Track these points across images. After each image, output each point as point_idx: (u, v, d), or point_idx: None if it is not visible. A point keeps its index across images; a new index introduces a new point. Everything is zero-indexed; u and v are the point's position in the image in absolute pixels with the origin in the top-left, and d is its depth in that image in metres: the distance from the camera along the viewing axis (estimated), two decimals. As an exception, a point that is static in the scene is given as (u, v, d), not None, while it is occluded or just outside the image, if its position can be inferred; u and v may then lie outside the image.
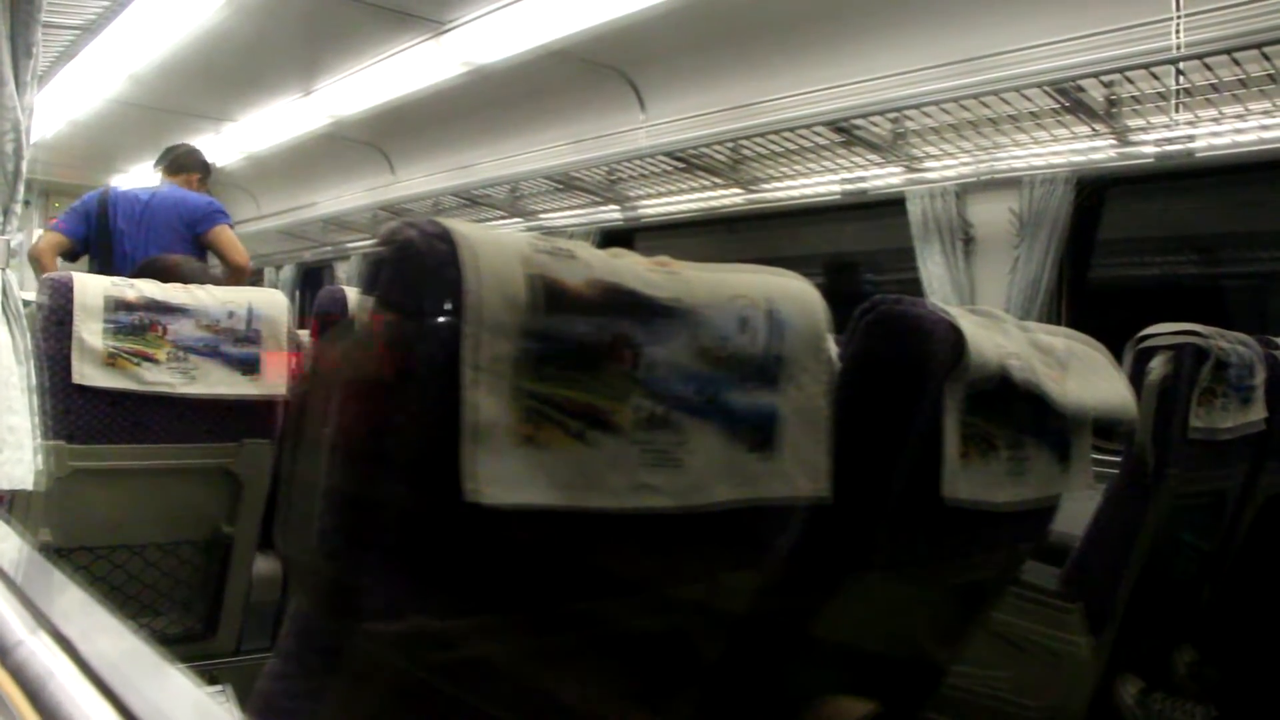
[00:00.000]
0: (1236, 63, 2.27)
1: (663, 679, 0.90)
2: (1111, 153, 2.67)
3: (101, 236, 3.54)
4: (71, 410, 1.75)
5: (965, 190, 2.96)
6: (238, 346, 1.84)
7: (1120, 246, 3.02)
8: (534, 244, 0.68)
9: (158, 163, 3.97)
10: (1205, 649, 1.85)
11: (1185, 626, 1.87)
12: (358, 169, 5.81)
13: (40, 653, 0.62)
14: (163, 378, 1.79)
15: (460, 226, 0.66)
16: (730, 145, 3.53)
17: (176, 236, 3.53)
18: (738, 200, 3.77)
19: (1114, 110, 2.59)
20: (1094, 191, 2.80)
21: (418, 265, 0.64)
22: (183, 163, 3.89)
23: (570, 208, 4.54)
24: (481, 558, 0.70)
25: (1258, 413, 1.68)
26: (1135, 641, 1.65)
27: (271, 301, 1.91)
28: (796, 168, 3.47)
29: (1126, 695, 1.72)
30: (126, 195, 3.63)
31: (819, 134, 3.19)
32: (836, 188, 3.39)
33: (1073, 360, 1.10)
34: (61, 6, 3.58)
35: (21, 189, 1.50)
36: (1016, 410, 1.04)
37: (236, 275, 3.53)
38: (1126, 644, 1.60)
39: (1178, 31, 2.43)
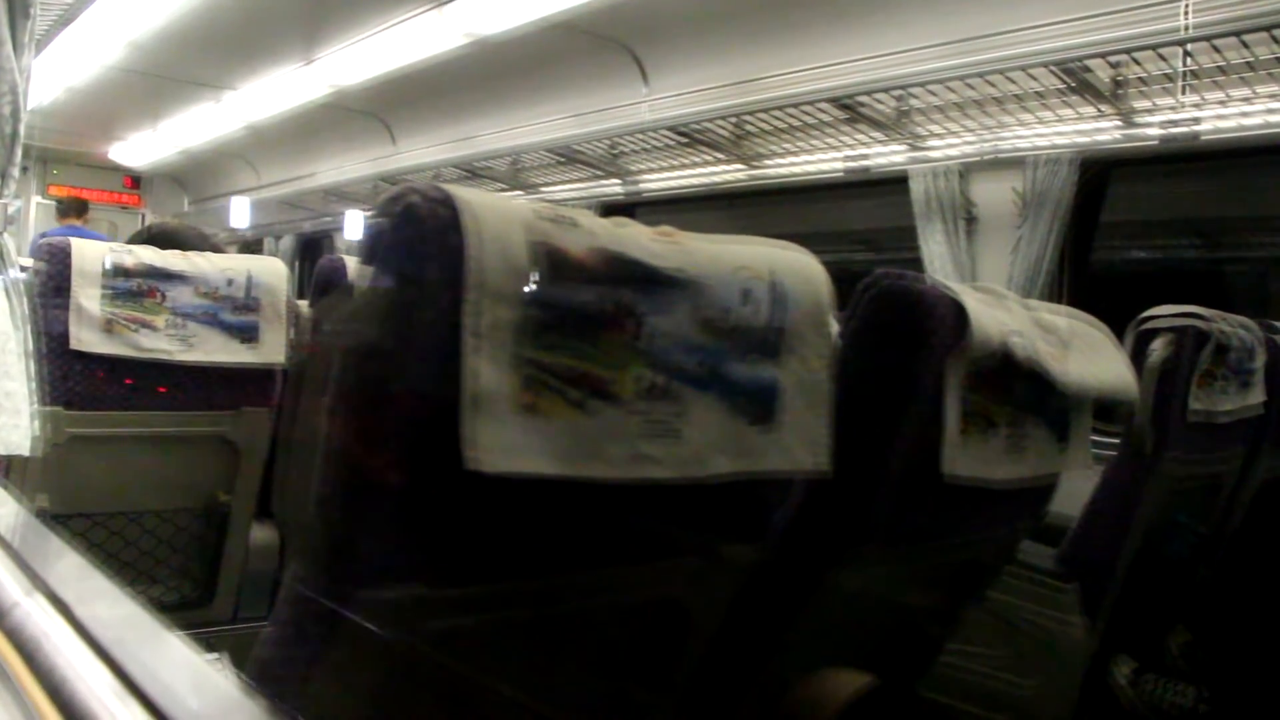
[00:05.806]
0: (1245, 45, 2.25)
1: (659, 650, 0.90)
2: (1116, 134, 2.65)
3: None
4: (69, 376, 1.75)
5: (968, 169, 2.95)
6: (236, 314, 1.83)
7: (1123, 228, 3.01)
8: (537, 211, 0.67)
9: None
10: (1199, 631, 1.86)
11: (1179, 608, 1.87)
12: (359, 139, 5.78)
13: (36, 614, 0.62)
14: (160, 344, 1.78)
15: (463, 192, 0.65)
16: (733, 120, 3.50)
17: None
18: (740, 176, 3.75)
19: (1120, 91, 2.57)
20: (1098, 173, 2.79)
21: (420, 230, 0.63)
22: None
23: (571, 181, 4.52)
24: (479, 525, 0.69)
25: (1257, 396, 1.68)
26: (1129, 622, 1.65)
27: (271, 270, 1.89)
28: (799, 144, 3.45)
29: (1119, 675, 1.73)
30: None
31: (823, 110, 3.16)
32: (839, 165, 3.37)
33: (1075, 339, 1.10)
34: (61, -31, 3.56)
35: (19, 153, 1.48)
36: (1017, 388, 1.03)
37: None
38: (1120, 624, 1.61)
39: (1186, 12, 2.41)
